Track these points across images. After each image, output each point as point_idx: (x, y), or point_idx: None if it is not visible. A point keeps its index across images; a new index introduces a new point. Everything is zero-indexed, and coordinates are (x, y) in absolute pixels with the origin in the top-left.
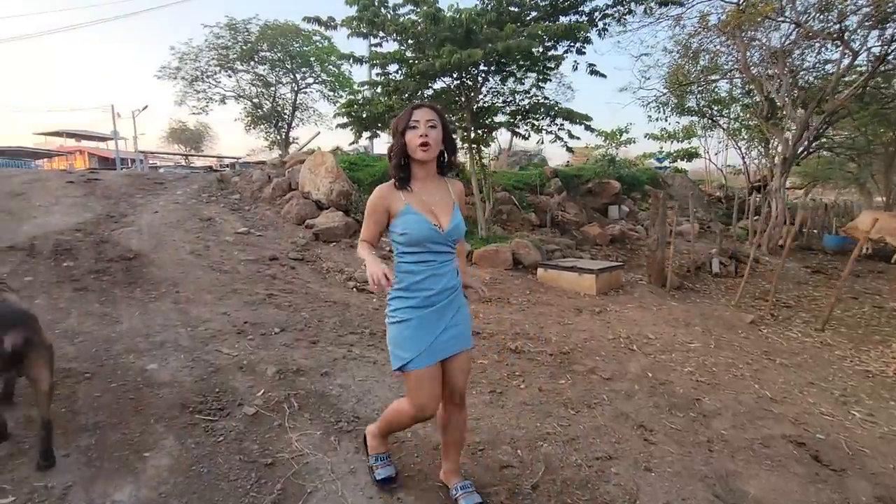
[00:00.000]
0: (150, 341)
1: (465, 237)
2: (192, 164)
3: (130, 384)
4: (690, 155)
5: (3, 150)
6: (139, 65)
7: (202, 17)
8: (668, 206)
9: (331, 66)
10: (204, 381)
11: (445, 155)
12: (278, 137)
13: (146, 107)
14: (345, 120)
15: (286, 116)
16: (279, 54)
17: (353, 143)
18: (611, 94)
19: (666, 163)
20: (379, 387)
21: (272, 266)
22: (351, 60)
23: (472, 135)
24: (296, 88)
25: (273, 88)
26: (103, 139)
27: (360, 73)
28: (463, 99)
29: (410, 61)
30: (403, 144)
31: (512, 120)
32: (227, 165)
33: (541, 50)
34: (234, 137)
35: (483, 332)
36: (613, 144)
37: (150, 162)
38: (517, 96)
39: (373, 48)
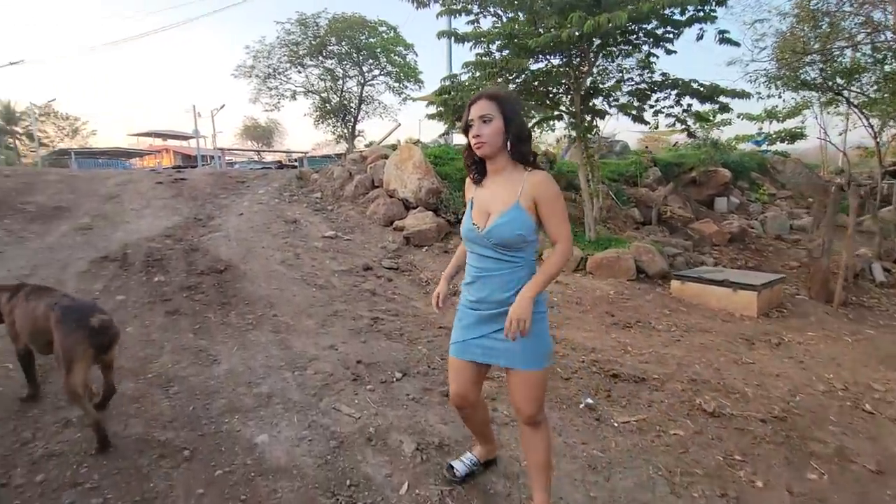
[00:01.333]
0: (255, 393)
1: (574, 239)
2: (263, 160)
3: (239, 472)
4: (794, 136)
5: (104, 151)
6: (219, 64)
7: (278, 13)
8: (836, 201)
9: (396, 57)
10: (328, 464)
11: (510, 146)
12: (345, 131)
13: (223, 106)
14: (434, 110)
15: (352, 110)
16: (346, 47)
17: (443, 134)
18: (705, 70)
19: (765, 146)
20: (567, 484)
21: (368, 278)
22: (451, 39)
23: (580, 121)
24: (362, 81)
25: (341, 82)
26: (186, 138)
27: (434, 59)
28: (571, 80)
29: (521, 36)
30: (469, 144)
31: (630, 102)
32: (296, 160)
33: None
34: (301, 132)
35: (647, 376)
36: (707, 127)
37: (227, 158)
38: (632, 74)
39: (474, 26)
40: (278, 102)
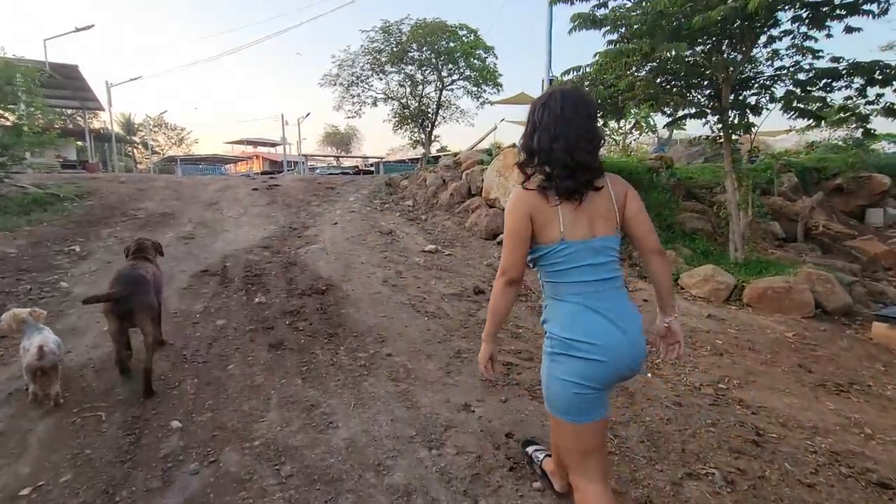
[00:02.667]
0: (388, 486)
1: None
2: (341, 165)
3: None
4: None
5: (203, 158)
6: (305, 73)
7: (364, 21)
8: None
9: (476, 61)
10: None
11: None
12: (422, 136)
13: (308, 114)
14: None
15: (430, 115)
16: (427, 53)
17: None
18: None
19: None
20: None
21: (481, 304)
22: (574, 24)
23: (729, 118)
24: (440, 86)
25: (420, 87)
26: (273, 144)
27: (513, 63)
28: (719, 69)
29: (673, 14)
30: None
31: (792, 93)
32: (371, 165)
33: None
34: (376, 138)
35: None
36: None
37: (309, 164)
38: (792, 59)
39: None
40: (359, 109)
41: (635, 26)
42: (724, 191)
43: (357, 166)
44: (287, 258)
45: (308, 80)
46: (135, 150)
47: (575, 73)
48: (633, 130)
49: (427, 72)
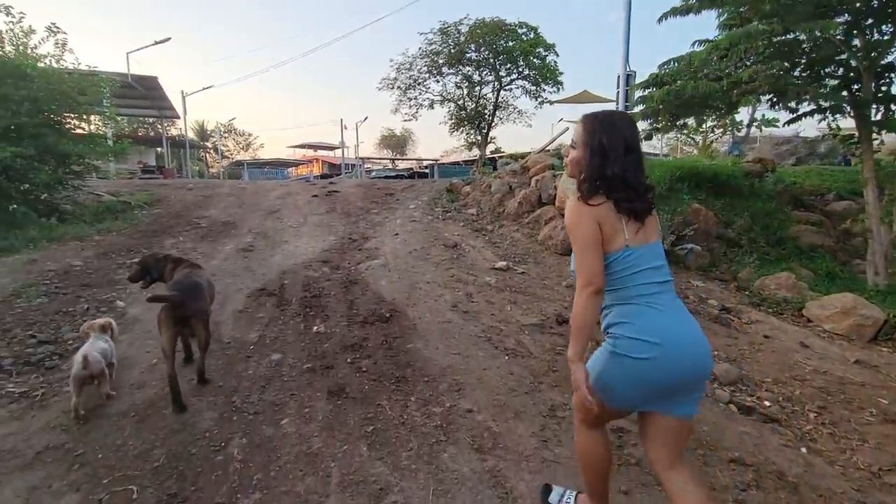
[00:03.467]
0: None
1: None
2: (396, 167)
3: None
4: None
5: (268, 162)
6: (365, 77)
7: (423, 24)
8: None
9: (535, 59)
10: None
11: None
12: (478, 138)
13: (366, 118)
14: (641, 107)
15: (487, 116)
16: (485, 53)
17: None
18: None
19: None
20: None
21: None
22: (688, 3)
23: (872, 112)
24: (498, 87)
25: (478, 88)
26: (332, 148)
27: (575, 60)
28: (861, 52)
29: None
30: None
31: None
32: (426, 167)
33: None
34: (431, 140)
35: None
36: None
37: (366, 166)
38: None
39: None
40: (416, 112)
41: (766, 6)
42: (838, 198)
43: (411, 168)
44: (347, 275)
45: (367, 83)
46: (207, 155)
47: (675, 63)
48: (716, 129)
49: (484, 72)
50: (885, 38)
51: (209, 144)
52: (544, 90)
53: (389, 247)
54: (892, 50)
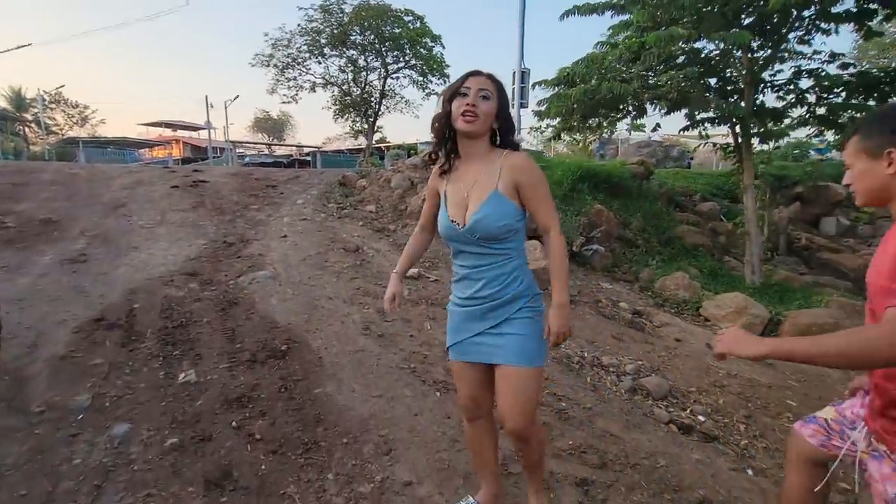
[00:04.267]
0: None
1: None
2: (273, 153)
3: None
4: None
5: (112, 141)
6: (234, 54)
7: None
8: None
9: (422, 49)
10: None
11: (499, 135)
12: (364, 126)
13: (237, 97)
14: (546, 105)
15: (374, 104)
16: (370, 37)
17: (551, 138)
18: None
19: (829, 154)
20: None
21: None
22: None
23: (749, 125)
24: (384, 74)
25: (364, 73)
26: (196, 129)
27: (463, 55)
28: (741, 67)
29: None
30: (448, 113)
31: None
32: (307, 154)
33: None
34: (313, 126)
35: None
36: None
37: (238, 151)
38: (810, 60)
39: None
40: (296, 94)
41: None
42: (703, 199)
43: (291, 155)
44: (224, 293)
45: (238, 58)
46: (26, 130)
47: (586, 63)
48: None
49: (370, 57)
50: (765, 54)
51: (28, 116)
52: (431, 81)
53: (278, 252)
54: (770, 66)
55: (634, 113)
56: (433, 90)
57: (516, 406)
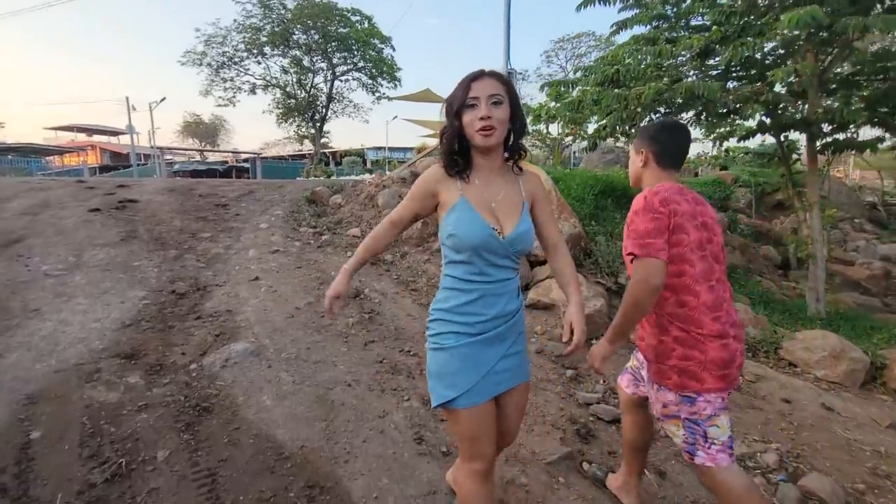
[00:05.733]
0: None
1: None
2: (207, 160)
3: None
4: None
5: (13, 148)
6: (159, 52)
7: None
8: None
9: (371, 51)
10: None
11: (512, 137)
12: (311, 131)
13: (164, 99)
14: (552, 109)
15: (320, 108)
16: (315, 36)
17: (591, 146)
18: None
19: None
20: None
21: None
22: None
23: (817, 131)
24: (331, 76)
25: (311, 75)
26: (115, 133)
27: (414, 58)
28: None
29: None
30: (459, 128)
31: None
32: (245, 160)
33: None
34: (249, 131)
35: None
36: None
37: (167, 157)
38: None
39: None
40: (233, 96)
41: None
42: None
43: (226, 161)
44: (187, 389)
45: (164, 56)
46: None
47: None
48: (567, 136)
49: (316, 58)
50: (830, 56)
51: None
52: (381, 85)
53: (252, 306)
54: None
55: (722, 116)
56: (384, 94)
57: (519, 420)
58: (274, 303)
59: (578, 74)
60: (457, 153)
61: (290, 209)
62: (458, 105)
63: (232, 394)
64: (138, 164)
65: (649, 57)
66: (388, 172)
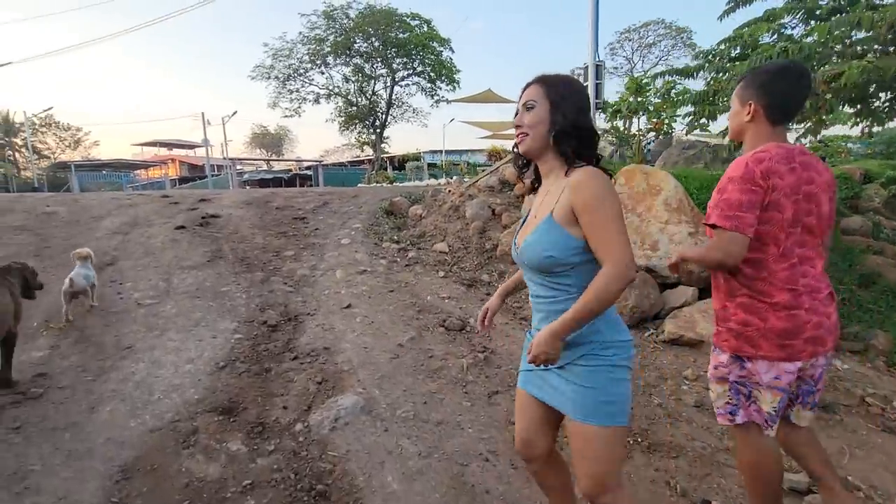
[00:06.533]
0: None
1: None
2: (272, 169)
3: None
4: None
5: (106, 164)
6: (231, 69)
7: (303, 4)
8: None
9: (430, 55)
10: None
11: (562, 144)
12: (371, 137)
13: (235, 112)
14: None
15: (380, 114)
16: (376, 43)
17: (658, 135)
18: None
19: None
20: None
21: None
22: None
23: None
24: (391, 83)
25: (373, 82)
26: (192, 147)
27: (472, 61)
28: None
29: None
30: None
31: None
32: (307, 168)
33: None
34: (309, 139)
35: None
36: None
37: (237, 168)
38: None
39: None
40: (299, 107)
41: None
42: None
43: (290, 170)
44: (293, 457)
45: (233, 73)
46: (16, 155)
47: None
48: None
49: (377, 65)
50: None
51: (18, 141)
52: (440, 88)
53: (351, 342)
54: None
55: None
56: (442, 97)
57: (582, 467)
58: (373, 337)
59: (696, 62)
60: (526, 165)
61: (369, 222)
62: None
63: (350, 471)
64: (213, 175)
65: (842, 28)
66: (465, 179)
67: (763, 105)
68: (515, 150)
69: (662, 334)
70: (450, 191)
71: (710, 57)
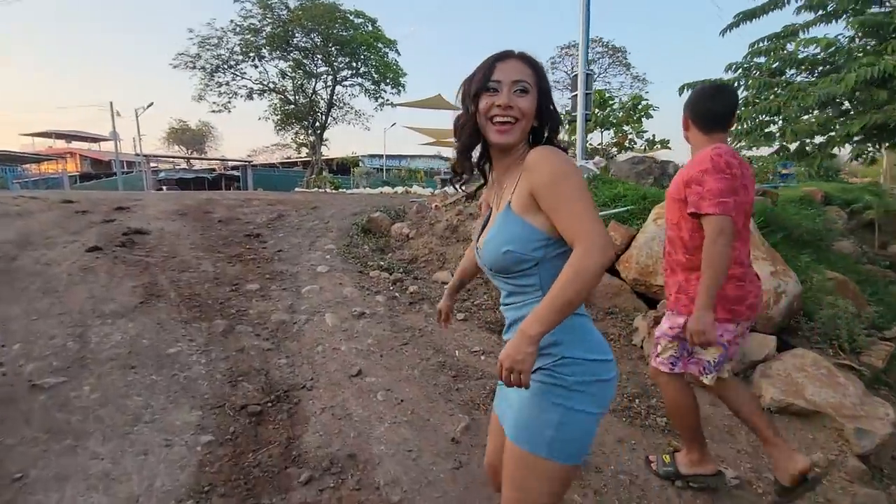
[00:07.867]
0: None
1: None
2: (193, 168)
3: None
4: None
5: None
6: (149, 57)
7: None
8: None
9: (375, 55)
10: None
11: (539, 134)
12: (311, 139)
13: (151, 104)
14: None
15: (320, 115)
16: (317, 40)
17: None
18: None
19: (793, 169)
20: None
21: None
22: None
23: None
24: (332, 82)
25: (313, 80)
26: (97, 140)
27: (419, 65)
28: None
29: None
30: (475, 115)
31: None
32: (233, 167)
33: None
34: (236, 137)
35: None
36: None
37: (151, 165)
38: None
39: None
40: (229, 102)
41: None
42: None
43: (214, 169)
44: None
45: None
46: None
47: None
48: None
49: (317, 62)
50: None
51: None
52: (384, 91)
53: (385, 443)
54: None
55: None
56: (387, 100)
57: (506, 493)
58: (412, 429)
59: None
60: (474, 149)
61: (343, 241)
62: (476, 86)
63: None
64: (123, 172)
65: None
66: (448, 190)
67: (691, 118)
68: (468, 127)
69: (765, 397)
70: (436, 206)
71: (744, 69)
